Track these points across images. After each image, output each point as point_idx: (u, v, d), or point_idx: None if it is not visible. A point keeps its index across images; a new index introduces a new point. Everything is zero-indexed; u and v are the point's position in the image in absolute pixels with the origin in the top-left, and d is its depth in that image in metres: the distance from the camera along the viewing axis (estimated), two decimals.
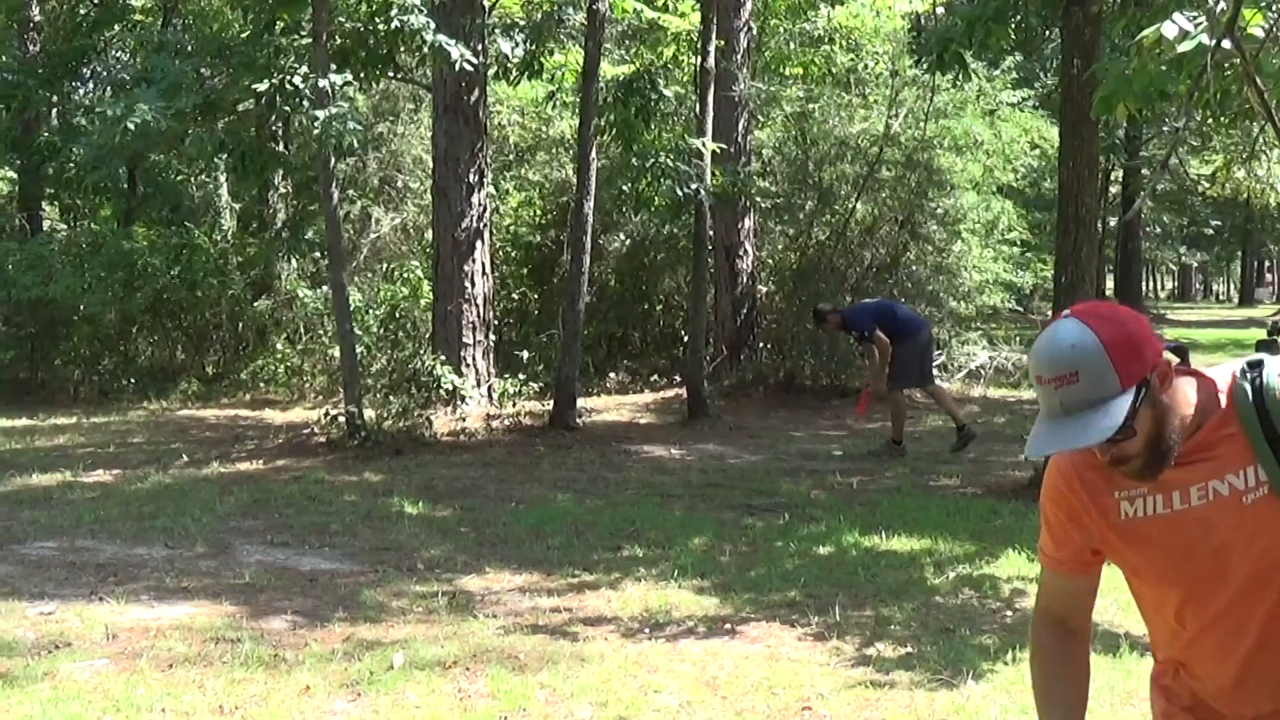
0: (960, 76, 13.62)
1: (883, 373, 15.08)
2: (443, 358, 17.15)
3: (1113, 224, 44.07)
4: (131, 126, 14.18)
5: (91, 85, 29.43)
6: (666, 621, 7.93)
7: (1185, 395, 2.83)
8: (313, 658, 7.11)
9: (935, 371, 16.91)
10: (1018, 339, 23.08)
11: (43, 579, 8.97)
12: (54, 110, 27.09)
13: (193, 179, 28.11)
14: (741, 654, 7.27)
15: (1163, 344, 2.79)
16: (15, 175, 28.08)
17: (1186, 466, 2.82)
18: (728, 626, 7.81)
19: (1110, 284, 53.57)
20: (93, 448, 15.83)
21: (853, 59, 22.60)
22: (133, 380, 21.71)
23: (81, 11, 26.77)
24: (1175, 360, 2.86)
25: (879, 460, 14.67)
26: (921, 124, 20.50)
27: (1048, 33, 17.73)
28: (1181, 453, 2.80)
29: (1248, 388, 2.81)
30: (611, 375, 22.01)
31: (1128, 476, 2.85)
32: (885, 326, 14.96)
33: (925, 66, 14.50)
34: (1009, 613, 8.17)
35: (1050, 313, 13.97)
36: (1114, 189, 43.82)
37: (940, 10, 21.10)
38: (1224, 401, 2.83)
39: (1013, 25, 12.84)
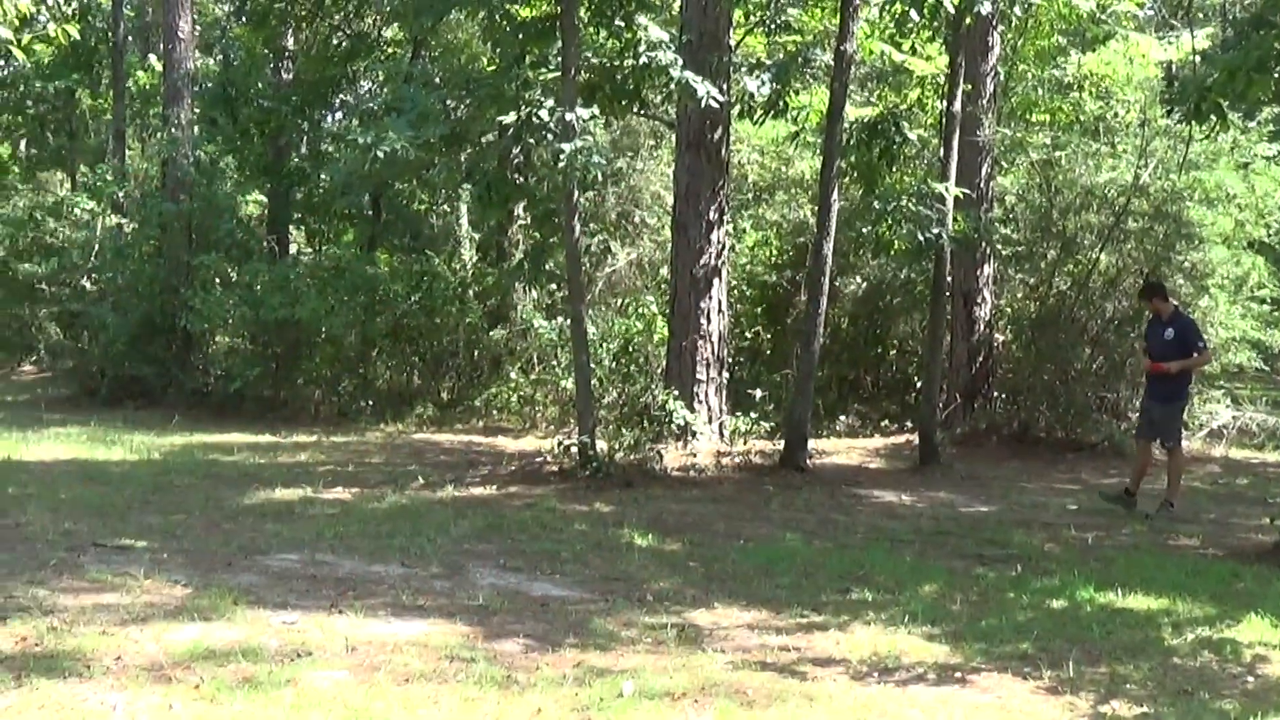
0: (1216, 127, 13.33)
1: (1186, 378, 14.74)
2: (675, 393, 17.19)
3: None
4: (380, 155, 14.51)
5: (340, 114, 30.14)
6: (896, 666, 7.85)
7: None
8: (544, 681, 7.17)
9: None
10: (1263, 399, 22.43)
11: (285, 590, 9.20)
12: (304, 137, 27.80)
13: (434, 208, 28.66)
14: (972, 703, 7.17)
15: None
16: (266, 199, 28.87)
17: None
18: (958, 675, 7.71)
19: None
20: (332, 465, 16.22)
21: (1102, 106, 22.25)
22: (371, 402, 22.22)
23: (334, 42, 27.46)
24: None
25: (1114, 515, 14.39)
26: (1172, 175, 20.06)
27: None
28: None
29: None
30: (842, 418, 21.90)
31: None
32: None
33: (1179, 117, 14.23)
34: (1250, 678, 7.92)
35: None
36: None
37: (1197, 59, 20.63)
38: None
39: (1276, 75, 12.48)
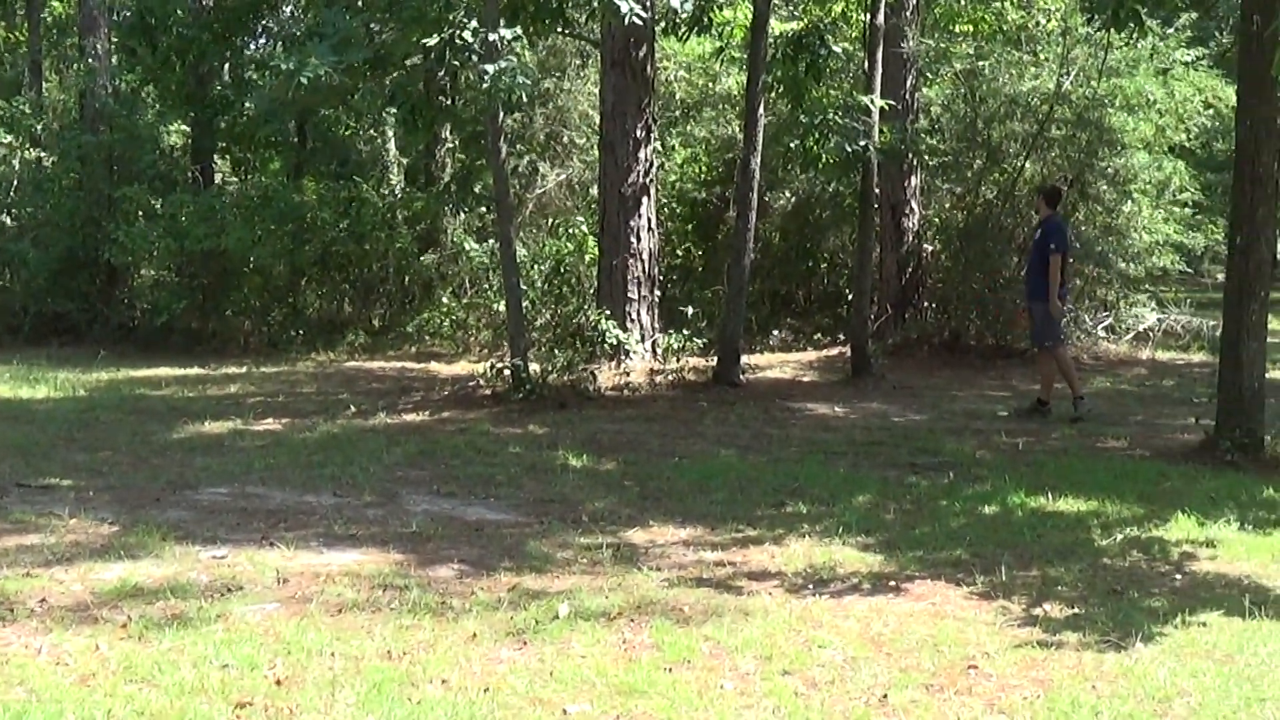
0: (1135, 34, 13.37)
1: (1054, 292, 14.86)
2: (607, 312, 17.20)
3: None
4: (304, 81, 14.31)
5: (263, 40, 29.75)
6: (831, 578, 7.90)
7: None
8: (479, 606, 7.17)
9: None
10: (1188, 301, 22.65)
11: (215, 524, 9.15)
12: (226, 65, 27.43)
13: (361, 133, 28.40)
14: (906, 611, 7.23)
15: None
16: (189, 129, 28.49)
17: None
18: (892, 584, 7.77)
19: None
20: (262, 397, 16.13)
21: (1024, 15, 22.26)
22: (301, 331, 22.07)
23: None
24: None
25: (1048, 420, 14.53)
26: (1093, 82, 20.13)
27: None
28: None
29: None
30: (775, 333, 21.99)
31: None
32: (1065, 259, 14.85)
33: (1099, 23, 14.24)
34: (1179, 576, 8.04)
35: (1222, 275, 13.70)
36: None
37: None
38: None
39: None
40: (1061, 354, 15.23)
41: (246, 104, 24.96)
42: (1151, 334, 21.10)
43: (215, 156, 28.20)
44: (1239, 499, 10.19)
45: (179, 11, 23.96)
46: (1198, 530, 9.12)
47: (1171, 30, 21.66)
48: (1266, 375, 12.31)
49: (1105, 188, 20.60)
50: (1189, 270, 24.98)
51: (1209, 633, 6.83)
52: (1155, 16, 18.20)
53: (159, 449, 12.34)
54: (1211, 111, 22.72)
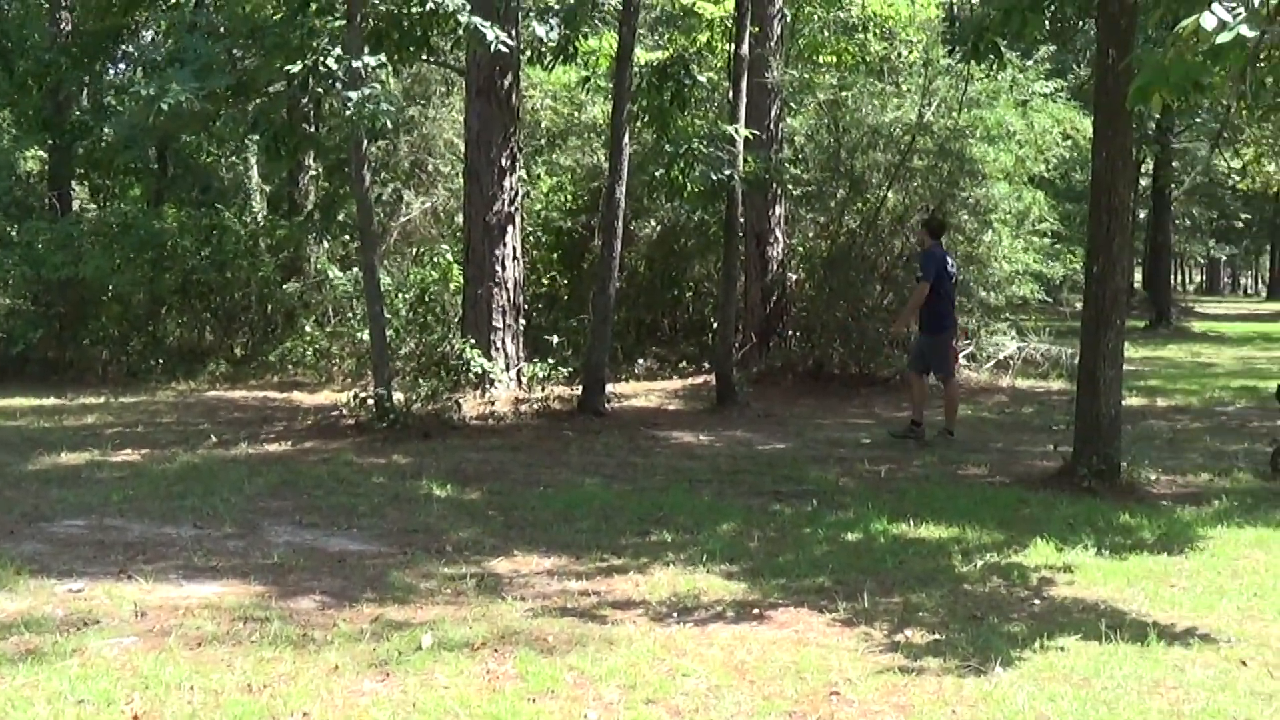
0: (995, 66, 13.61)
1: (909, 316, 15.19)
2: (472, 341, 17.17)
3: (1143, 216, 43.82)
4: (164, 107, 14.14)
5: (123, 65, 29.39)
6: (695, 606, 7.90)
7: None
8: (341, 637, 7.10)
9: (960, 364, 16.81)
10: (1047, 330, 23.02)
11: (71, 556, 8.99)
12: (85, 90, 27.08)
13: (223, 160, 28.17)
14: (770, 639, 7.25)
15: None
16: (46, 155, 28.07)
17: None
18: (756, 612, 7.78)
19: (1139, 276, 53.38)
20: (121, 427, 15.89)
21: (886, 47, 22.58)
22: (161, 361, 21.78)
23: None
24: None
25: (906, 447, 14.70)
26: (954, 113, 20.43)
27: (1082, 23, 17.67)
28: None
29: None
30: (640, 361, 22.03)
31: None
32: (938, 290, 15.01)
33: (960, 56, 14.49)
34: (1037, 601, 8.13)
35: (1080, 303, 13.93)
36: (1144, 181, 43.63)
37: (975, 0, 20.99)
38: None
39: (1048, 15, 12.78)
40: (918, 381, 15.51)
41: (106, 130, 24.66)
42: (1011, 362, 21.41)
43: (73, 183, 27.81)
44: (1096, 524, 10.33)
45: (36, 36, 23.62)
46: (1056, 556, 9.23)
47: (1031, 63, 22.04)
48: (1123, 402, 12.52)
49: (966, 217, 20.88)
50: (1048, 299, 25.42)
51: (1067, 656, 6.91)
52: (1014, 49, 18.52)
53: (13, 481, 12.10)
54: (1070, 142, 23.16)
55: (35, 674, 6.41)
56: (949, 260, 15.51)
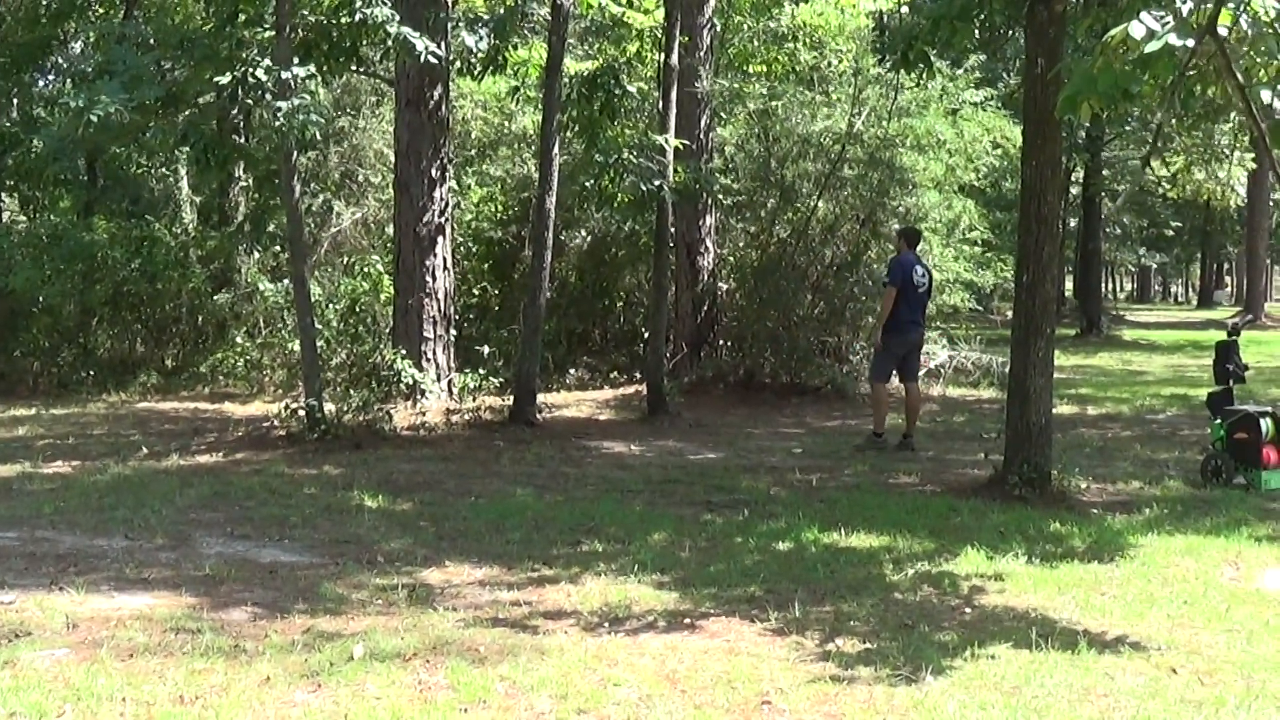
0: (924, 75, 13.68)
1: (881, 323, 15.46)
2: (403, 352, 17.15)
3: (1073, 224, 44.14)
4: (94, 118, 14.06)
5: (52, 76, 29.20)
6: (626, 616, 7.93)
7: None
8: (273, 649, 7.10)
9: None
10: (978, 339, 23.17)
11: (2, 569, 8.93)
12: (14, 101, 26.89)
13: (153, 172, 28.01)
14: (701, 648, 7.28)
15: None
16: None
17: None
18: (687, 621, 7.82)
19: (1070, 284, 53.79)
20: (52, 439, 15.79)
21: (816, 56, 22.68)
22: (92, 372, 21.63)
23: (43, 2, 26.57)
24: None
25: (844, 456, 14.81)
26: (884, 122, 20.56)
27: (1011, 32, 17.80)
28: None
29: None
30: (572, 371, 22.05)
31: None
32: (903, 294, 15.21)
33: (889, 65, 14.56)
34: (968, 609, 8.18)
35: (1010, 312, 14.05)
36: (1074, 189, 43.94)
37: (904, 9, 21.12)
38: None
39: (977, 24, 12.86)
40: (879, 390, 15.65)
41: (35, 141, 24.45)
42: (942, 371, 21.55)
43: (3, 194, 27.60)
44: (1026, 533, 10.41)
45: None
46: (987, 564, 9.30)
47: (960, 71, 22.23)
48: (1054, 410, 12.62)
49: (897, 226, 21.01)
50: (979, 308, 25.60)
51: (997, 665, 6.97)
52: (944, 58, 18.68)
53: None
54: (1000, 151, 23.33)
55: None
56: (917, 268, 15.58)
